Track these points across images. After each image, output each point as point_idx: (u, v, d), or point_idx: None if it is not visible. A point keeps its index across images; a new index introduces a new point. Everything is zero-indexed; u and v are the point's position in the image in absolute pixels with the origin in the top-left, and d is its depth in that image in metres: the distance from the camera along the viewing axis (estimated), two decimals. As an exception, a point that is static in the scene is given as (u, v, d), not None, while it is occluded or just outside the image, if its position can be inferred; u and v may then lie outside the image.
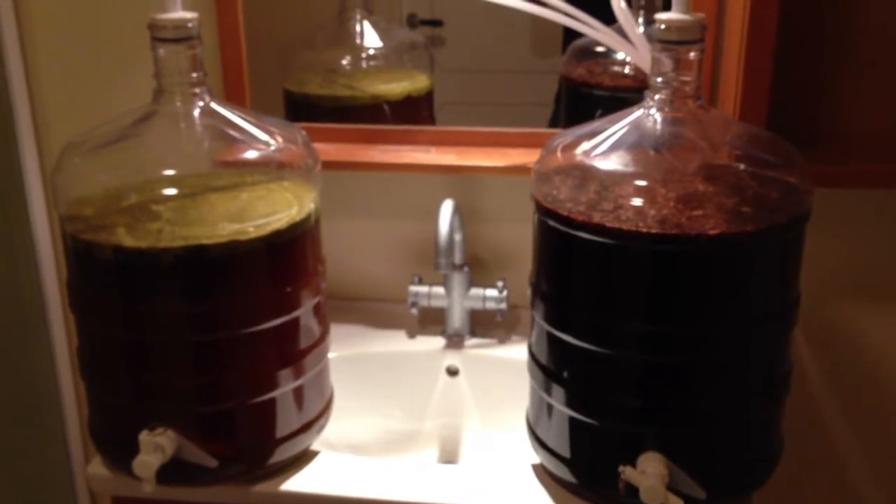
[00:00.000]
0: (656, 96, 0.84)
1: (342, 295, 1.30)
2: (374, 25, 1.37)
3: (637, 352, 0.82)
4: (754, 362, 0.84)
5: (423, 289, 1.21)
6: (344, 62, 1.38)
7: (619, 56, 1.28)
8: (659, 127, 0.84)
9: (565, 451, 0.89)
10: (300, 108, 1.37)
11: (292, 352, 0.92)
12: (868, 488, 1.24)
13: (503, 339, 1.21)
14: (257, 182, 0.93)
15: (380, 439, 1.16)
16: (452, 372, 1.19)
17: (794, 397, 1.14)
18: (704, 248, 0.76)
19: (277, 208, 0.89)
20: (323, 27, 1.38)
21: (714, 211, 0.79)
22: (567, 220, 0.81)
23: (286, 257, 0.89)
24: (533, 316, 0.91)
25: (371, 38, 1.38)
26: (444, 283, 1.20)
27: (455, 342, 1.21)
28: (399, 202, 1.25)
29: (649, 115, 0.84)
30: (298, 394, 0.93)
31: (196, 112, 0.89)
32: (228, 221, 0.85)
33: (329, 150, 1.22)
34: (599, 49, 1.32)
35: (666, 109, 0.83)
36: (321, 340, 0.97)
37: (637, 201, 0.79)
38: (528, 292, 0.92)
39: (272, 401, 0.91)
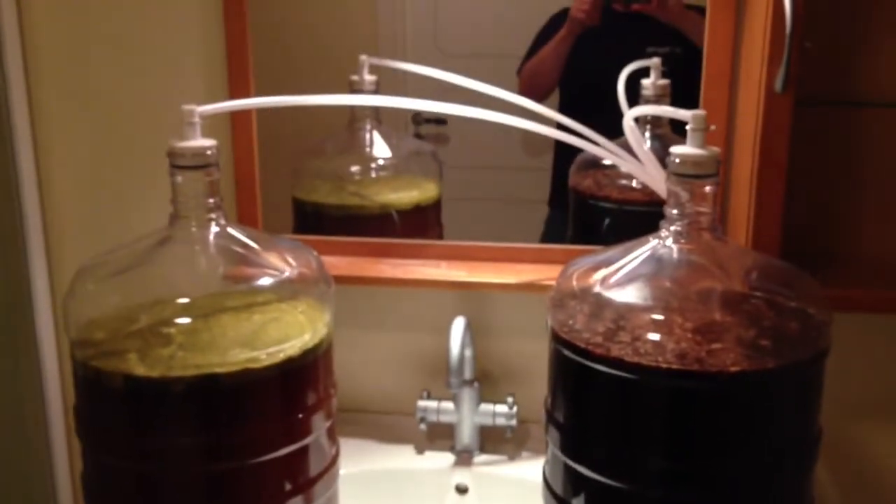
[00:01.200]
0: (672, 227, 0.84)
1: (350, 407, 1.28)
2: (384, 135, 1.39)
3: (655, 488, 0.80)
4: (776, 502, 0.83)
5: (432, 404, 1.20)
6: (353, 170, 1.39)
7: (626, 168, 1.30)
8: (675, 257, 0.84)
9: None
10: (308, 216, 1.38)
11: (304, 479, 0.90)
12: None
13: (513, 456, 1.19)
14: (269, 301, 0.92)
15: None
16: (462, 490, 1.17)
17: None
18: (725, 385, 0.76)
19: (290, 333, 0.88)
20: (333, 137, 1.40)
21: (733, 344, 0.78)
22: (584, 352, 0.81)
23: (299, 384, 0.88)
24: (548, 441, 0.90)
25: (380, 148, 1.39)
26: (454, 398, 1.19)
27: (464, 459, 1.19)
28: (409, 316, 1.25)
29: (665, 245, 0.85)
30: (308, 521, 0.91)
31: (211, 237, 0.89)
32: (240, 347, 0.85)
33: (339, 264, 1.22)
34: (606, 161, 1.33)
35: (682, 241, 0.84)
36: (332, 464, 0.95)
37: (655, 335, 0.79)
38: (543, 417, 0.90)
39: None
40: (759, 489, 0.81)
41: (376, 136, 1.39)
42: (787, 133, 0.93)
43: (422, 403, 1.20)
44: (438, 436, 1.23)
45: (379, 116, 1.38)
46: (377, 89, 1.32)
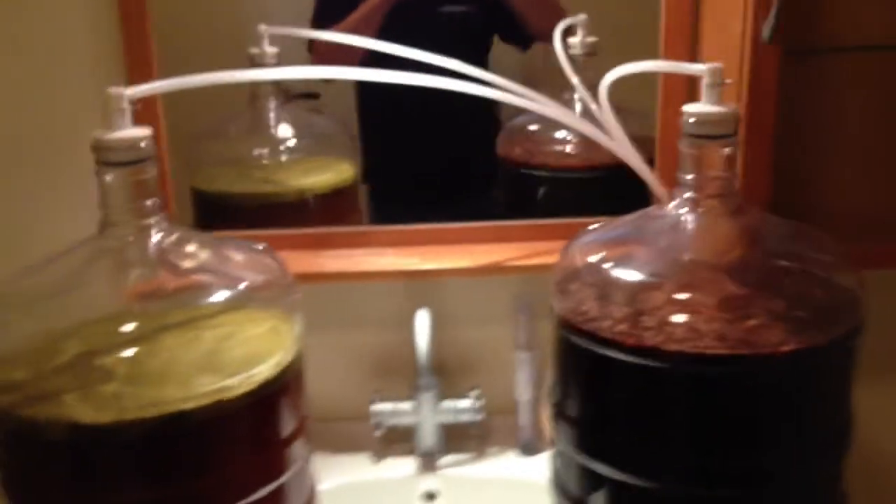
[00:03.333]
0: (687, 195, 0.76)
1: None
2: (291, 112, 1.25)
3: (684, 485, 0.73)
4: (817, 492, 0.77)
5: (387, 406, 1.08)
6: (259, 154, 1.24)
7: (559, 134, 1.22)
8: (690, 228, 0.76)
9: None
10: (212, 208, 1.22)
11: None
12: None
13: (480, 454, 1.09)
14: (223, 315, 0.78)
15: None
16: (431, 496, 1.06)
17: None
18: (777, 367, 0.69)
19: (258, 350, 0.75)
20: (234, 117, 1.25)
21: (768, 318, 0.71)
22: (608, 342, 0.72)
23: (277, 409, 0.75)
24: (555, 439, 0.81)
25: (288, 127, 1.25)
26: (414, 398, 1.08)
27: (428, 462, 1.08)
28: (354, 312, 1.12)
29: (679, 215, 0.77)
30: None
31: (150, 246, 0.74)
32: (204, 374, 0.71)
33: (272, 261, 1.08)
34: (534, 127, 1.25)
35: (699, 209, 0.76)
36: (311, 498, 0.83)
37: (681, 316, 0.71)
38: (550, 412, 0.81)
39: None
40: (798, 481, 0.75)
41: (282, 114, 1.25)
42: (774, 88, 0.87)
43: (375, 407, 1.08)
44: (396, 440, 1.11)
45: (286, 92, 1.24)
46: (279, 62, 1.18)
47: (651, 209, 0.80)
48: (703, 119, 0.73)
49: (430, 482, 1.06)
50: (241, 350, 0.75)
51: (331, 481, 1.05)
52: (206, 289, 0.76)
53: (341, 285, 1.10)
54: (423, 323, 0.97)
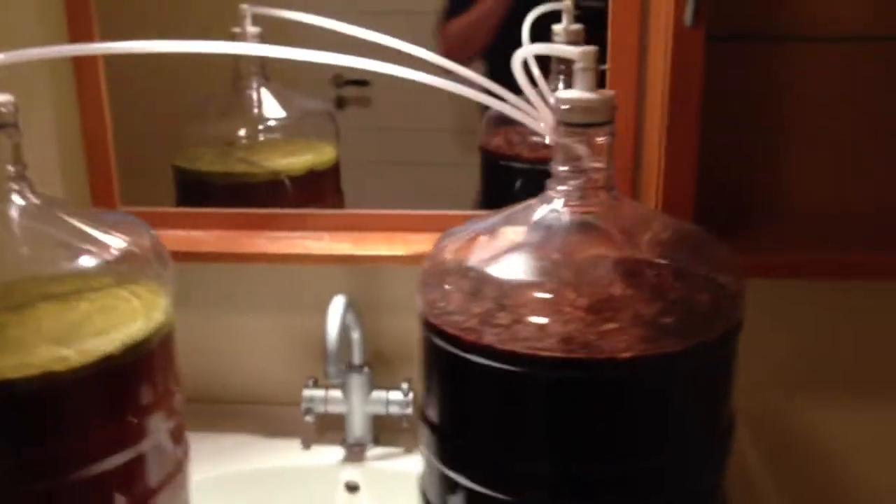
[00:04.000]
0: (561, 187, 0.71)
1: (227, 398, 1.14)
2: (274, 94, 1.24)
3: (542, 497, 0.68)
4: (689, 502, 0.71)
5: (319, 392, 1.07)
6: (240, 134, 1.24)
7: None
8: (566, 222, 0.71)
9: None
10: (192, 187, 1.22)
11: (141, 489, 0.76)
12: None
13: (410, 448, 1.06)
14: (101, 287, 0.78)
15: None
16: (352, 488, 1.04)
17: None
18: (615, 374, 0.63)
19: (118, 323, 0.74)
20: (216, 97, 1.25)
21: (630, 323, 0.66)
22: (454, 340, 0.68)
23: (126, 382, 0.74)
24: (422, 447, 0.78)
25: (270, 108, 1.25)
26: (343, 386, 1.05)
27: (355, 453, 1.06)
28: (291, 295, 1.11)
29: (554, 209, 0.72)
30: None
31: (14, 213, 0.74)
32: (49, 345, 0.70)
33: (208, 239, 1.08)
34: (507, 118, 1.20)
35: (573, 203, 0.71)
36: (178, 470, 0.81)
37: (538, 316, 0.66)
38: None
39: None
40: (665, 490, 0.69)
41: (265, 94, 1.24)
42: (699, 72, 0.80)
43: (307, 392, 1.06)
44: (329, 428, 1.10)
45: (266, 73, 1.23)
46: (261, 42, 1.17)
47: (534, 201, 0.75)
48: (575, 106, 0.68)
49: (353, 472, 1.04)
50: (104, 323, 0.74)
51: (255, 463, 1.05)
52: (69, 259, 0.76)
53: (279, 269, 1.09)
54: (336, 309, 0.95)
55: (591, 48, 0.68)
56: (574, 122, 0.68)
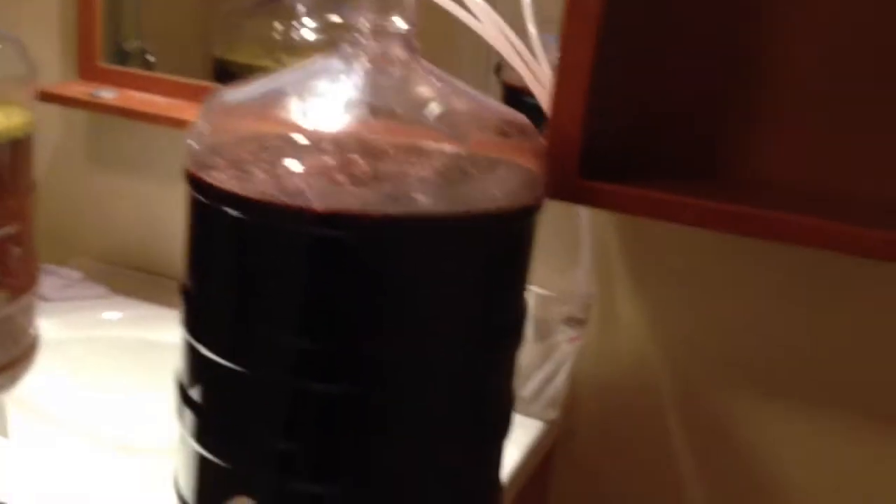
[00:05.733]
0: (356, 42, 0.63)
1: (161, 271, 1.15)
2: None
3: (286, 373, 0.60)
4: (451, 400, 0.64)
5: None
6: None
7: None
8: (358, 80, 0.63)
9: (190, 494, 0.67)
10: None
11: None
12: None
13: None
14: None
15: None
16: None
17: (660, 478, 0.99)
18: (373, 233, 0.56)
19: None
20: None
21: (395, 184, 0.60)
22: (197, 183, 0.61)
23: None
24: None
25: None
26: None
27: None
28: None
29: (345, 65, 0.63)
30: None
31: None
32: None
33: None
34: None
35: (368, 59, 0.63)
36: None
37: (291, 163, 0.58)
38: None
39: None
40: (426, 382, 0.62)
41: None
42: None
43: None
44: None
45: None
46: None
47: (325, 57, 0.66)
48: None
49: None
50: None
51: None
52: None
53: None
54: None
55: None
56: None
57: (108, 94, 1.07)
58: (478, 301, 0.63)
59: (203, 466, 0.65)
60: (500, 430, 0.69)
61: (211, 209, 0.60)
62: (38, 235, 1.13)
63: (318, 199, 0.57)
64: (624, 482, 1.02)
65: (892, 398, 0.90)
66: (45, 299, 1.10)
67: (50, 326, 0.95)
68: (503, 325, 0.66)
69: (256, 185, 0.58)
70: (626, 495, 1.02)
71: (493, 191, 0.62)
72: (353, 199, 0.57)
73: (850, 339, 0.90)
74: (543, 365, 0.94)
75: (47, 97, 1.07)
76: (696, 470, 0.99)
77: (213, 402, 0.64)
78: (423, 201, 0.58)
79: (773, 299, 0.92)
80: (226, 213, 0.59)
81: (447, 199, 0.59)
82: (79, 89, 1.09)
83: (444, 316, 0.61)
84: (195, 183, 0.62)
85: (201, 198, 0.61)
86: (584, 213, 0.93)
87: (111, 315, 1.08)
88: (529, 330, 0.91)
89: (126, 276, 1.17)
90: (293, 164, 0.58)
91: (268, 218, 0.57)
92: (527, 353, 0.93)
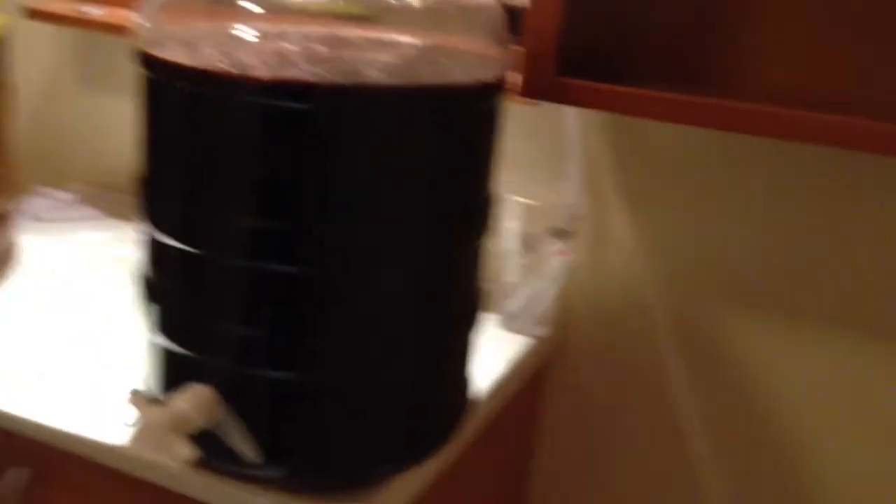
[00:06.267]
0: None
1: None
2: None
3: (239, 255, 0.59)
4: (409, 282, 0.62)
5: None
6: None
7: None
8: None
9: (155, 386, 0.67)
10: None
11: None
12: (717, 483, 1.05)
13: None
14: None
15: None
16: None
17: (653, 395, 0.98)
18: (321, 103, 0.54)
19: None
20: None
21: (357, 64, 0.57)
22: (148, 60, 0.59)
23: None
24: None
25: None
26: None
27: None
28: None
29: None
30: None
31: None
32: None
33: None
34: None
35: None
36: None
37: (244, 35, 0.56)
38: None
39: None
40: (382, 264, 0.60)
41: None
42: None
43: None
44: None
45: None
46: None
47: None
48: None
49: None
50: None
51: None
52: None
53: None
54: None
55: None
56: None
57: (95, 11, 1.06)
58: (435, 180, 0.61)
59: (164, 357, 0.65)
60: (462, 321, 0.68)
61: (161, 86, 0.59)
62: (32, 160, 1.13)
63: (267, 72, 0.55)
64: (617, 400, 1.00)
65: (888, 313, 0.88)
66: (38, 219, 1.11)
67: (36, 243, 0.99)
68: (464, 209, 0.64)
69: (206, 59, 0.57)
70: (619, 412, 1.00)
71: (452, 71, 0.60)
72: (304, 74, 0.56)
73: (848, 253, 0.87)
74: (531, 280, 0.93)
75: (35, 15, 1.06)
76: (689, 386, 0.97)
77: (171, 290, 0.64)
78: (376, 76, 0.56)
79: (768, 211, 0.90)
80: (175, 87, 0.58)
81: (401, 77, 0.57)
82: (66, 6, 1.08)
83: (399, 193, 0.59)
84: (146, 60, 0.60)
85: (152, 75, 0.60)
86: (571, 123, 0.90)
87: (98, 235, 1.08)
88: (515, 242, 0.90)
89: (120, 200, 1.16)
90: (245, 36, 0.56)
91: (215, 88, 0.56)
92: (513, 268, 0.93)
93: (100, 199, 1.17)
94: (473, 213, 0.65)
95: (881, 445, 0.90)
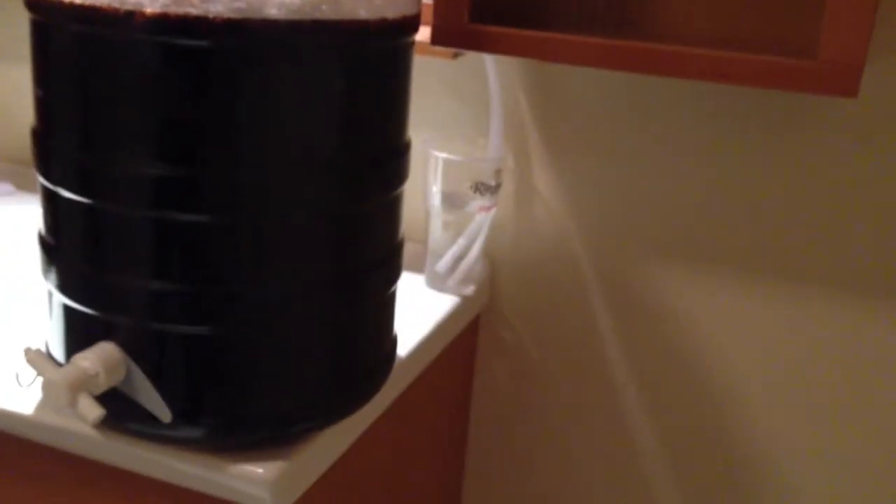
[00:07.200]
0: None
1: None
2: None
3: (137, 206, 0.56)
4: (322, 231, 0.60)
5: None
6: None
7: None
8: None
9: (59, 349, 0.65)
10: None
11: None
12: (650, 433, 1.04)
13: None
14: None
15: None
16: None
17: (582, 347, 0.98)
18: (212, 38, 0.52)
19: None
20: None
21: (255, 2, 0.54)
22: (34, 4, 0.56)
23: None
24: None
25: None
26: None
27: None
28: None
29: None
30: None
31: None
32: None
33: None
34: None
35: None
36: None
37: None
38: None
39: None
40: (288, 215, 0.58)
41: None
42: None
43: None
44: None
45: None
46: None
47: None
48: None
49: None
50: None
51: None
52: None
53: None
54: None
55: None
56: None
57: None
58: (342, 121, 0.59)
59: (68, 318, 0.62)
60: (380, 271, 0.66)
61: (48, 28, 0.56)
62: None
63: (158, 8, 0.52)
64: (548, 354, 1.00)
65: (809, 260, 0.89)
66: (-55, 196, 1.07)
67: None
68: (375, 152, 0.62)
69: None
70: (550, 366, 1.00)
71: (355, 8, 0.58)
72: (197, 10, 0.53)
73: (770, 198, 0.88)
74: (457, 239, 0.92)
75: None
76: (619, 339, 0.97)
77: (72, 247, 0.61)
78: (274, 13, 0.54)
79: (690, 161, 0.90)
80: (62, 28, 0.55)
81: (299, 12, 0.55)
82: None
83: (305, 135, 0.57)
84: (32, 4, 0.57)
85: (38, 17, 0.57)
86: (492, 77, 0.89)
87: (9, 209, 1.04)
88: (438, 199, 0.88)
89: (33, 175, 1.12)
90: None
91: (103, 27, 0.53)
92: (437, 227, 0.91)
93: (14, 174, 1.14)
94: (385, 158, 0.63)
95: (812, 384, 0.91)
